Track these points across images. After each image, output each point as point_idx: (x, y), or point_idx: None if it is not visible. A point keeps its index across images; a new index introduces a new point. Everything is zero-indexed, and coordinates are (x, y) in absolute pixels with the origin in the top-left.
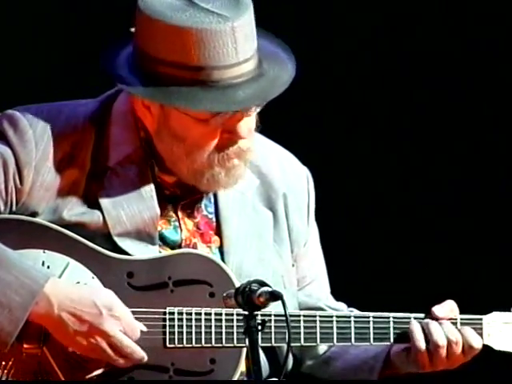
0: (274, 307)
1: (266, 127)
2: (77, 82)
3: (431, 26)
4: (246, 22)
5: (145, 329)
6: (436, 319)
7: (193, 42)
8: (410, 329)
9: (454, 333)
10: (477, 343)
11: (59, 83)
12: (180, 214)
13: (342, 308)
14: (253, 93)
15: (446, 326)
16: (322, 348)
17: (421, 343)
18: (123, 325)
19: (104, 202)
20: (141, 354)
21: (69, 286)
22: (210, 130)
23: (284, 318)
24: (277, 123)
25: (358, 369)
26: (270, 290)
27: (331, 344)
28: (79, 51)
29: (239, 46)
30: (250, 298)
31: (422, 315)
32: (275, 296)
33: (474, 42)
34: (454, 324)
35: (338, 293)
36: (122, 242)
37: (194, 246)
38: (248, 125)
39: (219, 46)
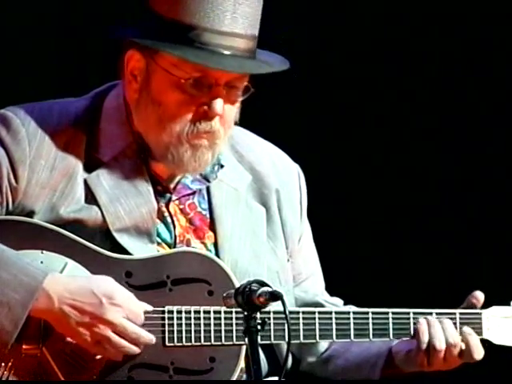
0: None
1: (259, 125)
2: (74, 82)
3: (431, 26)
4: (251, 4)
5: (150, 308)
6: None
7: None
8: (417, 327)
9: (454, 337)
10: (479, 355)
11: (56, 83)
12: (172, 210)
13: (338, 303)
14: (236, 64)
15: (448, 330)
16: (323, 346)
17: (424, 345)
18: (125, 311)
19: (101, 197)
20: (148, 336)
21: (67, 278)
22: (187, 98)
23: (283, 316)
24: (269, 121)
25: (359, 367)
26: (270, 290)
27: (331, 341)
28: (77, 51)
29: (237, 19)
30: (250, 298)
31: (421, 310)
32: (275, 296)
33: (474, 42)
34: (453, 319)
35: (335, 290)
36: (121, 238)
37: (188, 242)
38: (226, 108)
39: (218, 9)
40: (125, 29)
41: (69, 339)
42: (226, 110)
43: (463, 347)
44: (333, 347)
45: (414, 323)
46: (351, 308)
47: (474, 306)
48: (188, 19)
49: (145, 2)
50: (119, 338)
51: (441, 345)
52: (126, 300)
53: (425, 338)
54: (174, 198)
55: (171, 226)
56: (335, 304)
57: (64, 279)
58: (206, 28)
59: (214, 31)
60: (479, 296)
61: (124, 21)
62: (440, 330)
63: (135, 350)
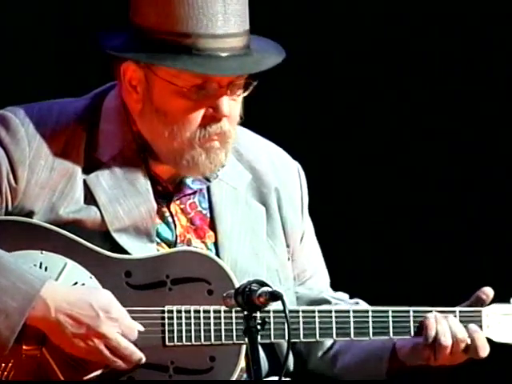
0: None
1: (258, 123)
2: (74, 82)
3: (431, 26)
4: (239, 0)
5: (142, 329)
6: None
7: (183, 7)
8: (424, 322)
9: (462, 332)
10: (485, 352)
11: (56, 83)
12: (173, 209)
13: (344, 298)
14: (236, 65)
15: (455, 326)
16: (329, 341)
17: (430, 339)
18: (121, 326)
19: (100, 197)
20: (139, 355)
21: (65, 288)
22: (193, 104)
23: (283, 315)
24: (268, 119)
25: (366, 361)
26: (270, 290)
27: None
28: (77, 51)
29: (229, 18)
30: (250, 298)
31: (421, 308)
32: (275, 296)
33: (475, 42)
34: (453, 317)
35: (335, 289)
36: (120, 238)
37: (189, 242)
38: (230, 106)
39: (209, 13)
40: (115, 41)
41: None
42: (232, 108)
43: (469, 343)
44: (337, 344)
45: (415, 321)
46: (358, 303)
47: (482, 302)
48: (181, 28)
49: (129, 16)
50: (111, 353)
51: (447, 340)
52: (123, 315)
53: (432, 333)
54: (174, 197)
55: (172, 226)
56: (341, 299)
57: (63, 289)
58: (200, 34)
59: (208, 36)
60: (488, 292)
61: (117, 27)
62: (447, 325)
63: (124, 366)
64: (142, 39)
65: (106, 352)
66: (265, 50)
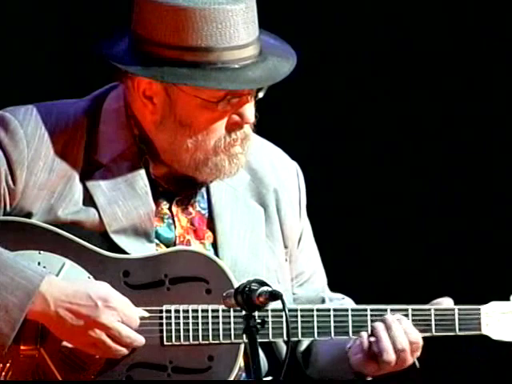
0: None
1: (257, 123)
2: (73, 82)
3: (430, 26)
4: (253, 4)
5: (147, 314)
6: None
7: (199, 20)
8: (376, 332)
9: (404, 343)
10: (416, 338)
11: (54, 84)
12: (174, 210)
13: (340, 299)
14: (261, 74)
15: (397, 338)
16: (304, 344)
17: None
18: (120, 315)
19: (99, 199)
20: (141, 341)
21: (64, 282)
22: (218, 114)
23: (281, 314)
24: (267, 119)
25: (336, 362)
26: (269, 289)
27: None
28: (75, 51)
29: (249, 27)
30: (250, 297)
31: (420, 307)
32: (275, 296)
33: (474, 41)
34: (452, 315)
35: (330, 288)
36: (119, 239)
37: (188, 243)
38: (252, 110)
39: (228, 25)
40: (127, 57)
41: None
42: (253, 109)
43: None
44: (313, 352)
45: (414, 320)
46: (344, 299)
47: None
48: (202, 42)
49: (131, 25)
50: (113, 342)
51: (390, 357)
52: (122, 304)
53: (375, 349)
54: (175, 198)
55: (172, 227)
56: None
57: (61, 283)
58: (224, 47)
59: (232, 48)
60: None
61: (116, 35)
62: (389, 341)
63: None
64: (161, 58)
65: (109, 342)
66: (273, 48)
